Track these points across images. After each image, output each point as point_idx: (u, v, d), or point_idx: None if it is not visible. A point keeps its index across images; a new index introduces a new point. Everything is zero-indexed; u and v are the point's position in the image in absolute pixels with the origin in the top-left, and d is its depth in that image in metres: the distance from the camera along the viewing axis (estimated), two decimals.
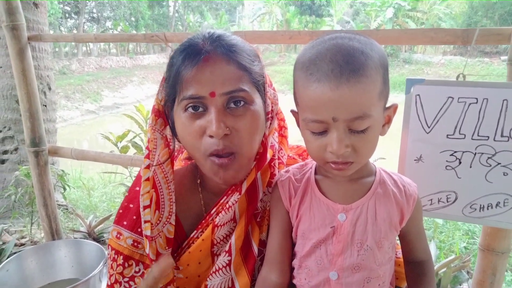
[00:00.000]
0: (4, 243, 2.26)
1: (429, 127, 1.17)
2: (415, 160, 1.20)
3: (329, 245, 0.83)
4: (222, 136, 0.79)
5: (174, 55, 0.83)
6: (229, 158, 0.82)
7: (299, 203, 0.87)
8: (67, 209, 2.84)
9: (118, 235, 0.94)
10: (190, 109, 0.81)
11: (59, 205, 2.77)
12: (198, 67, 0.78)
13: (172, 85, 0.82)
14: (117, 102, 18.10)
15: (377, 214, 0.82)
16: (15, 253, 1.97)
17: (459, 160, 1.15)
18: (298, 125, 0.83)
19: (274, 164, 0.96)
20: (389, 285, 0.90)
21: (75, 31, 25.61)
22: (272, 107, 0.91)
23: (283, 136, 1.02)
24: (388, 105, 0.80)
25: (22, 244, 2.40)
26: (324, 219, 0.83)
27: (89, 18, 26.70)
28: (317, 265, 0.84)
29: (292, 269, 0.91)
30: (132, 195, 0.96)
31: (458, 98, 1.11)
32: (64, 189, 2.49)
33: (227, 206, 0.89)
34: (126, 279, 0.92)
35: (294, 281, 0.90)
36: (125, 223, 0.94)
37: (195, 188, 0.99)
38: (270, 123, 0.91)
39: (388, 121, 0.81)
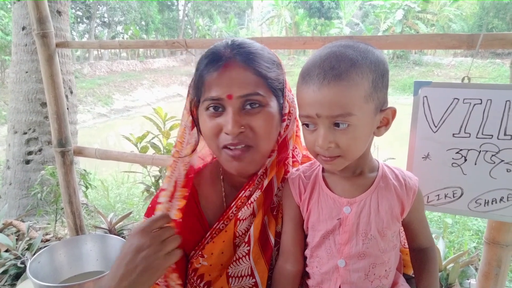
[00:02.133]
0: (31, 239, 2.38)
1: (436, 127, 1.24)
2: (422, 157, 1.27)
3: (337, 235, 0.92)
4: (237, 133, 0.89)
5: (200, 60, 0.94)
6: (242, 149, 0.92)
7: (308, 198, 0.96)
8: (87, 207, 2.95)
9: None
10: (211, 109, 0.91)
11: (82, 203, 2.89)
12: (218, 72, 0.88)
13: (197, 86, 0.93)
14: (127, 105, 18.34)
15: (379, 206, 0.90)
16: (41, 248, 2.08)
17: (465, 157, 1.22)
18: None
19: (287, 162, 1.05)
20: (395, 270, 0.98)
21: (86, 36, 25.99)
22: (290, 109, 1.00)
23: (297, 136, 1.11)
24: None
25: (47, 240, 2.52)
26: (331, 212, 0.92)
27: (100, 22, 27.04)
28: (327, 254, 0.93)
29: (305, 258, 0.99)
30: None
31: (463, 99, 1.18)
32: (86, 187, 2.60)
33: (249, 202, 0.98)
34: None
35: (307, 269, 0.99)
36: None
37: (218, 182, 1.08)
38: (287, 125, 0.99)
39: (386, 124, 0.88)
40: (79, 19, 25.16)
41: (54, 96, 1.99)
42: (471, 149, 1.20)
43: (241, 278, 1.01)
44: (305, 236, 1.00)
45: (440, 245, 2.12)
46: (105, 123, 15.57)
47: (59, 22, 2.88)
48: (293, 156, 1.10)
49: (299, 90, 0.85)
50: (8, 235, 2.39)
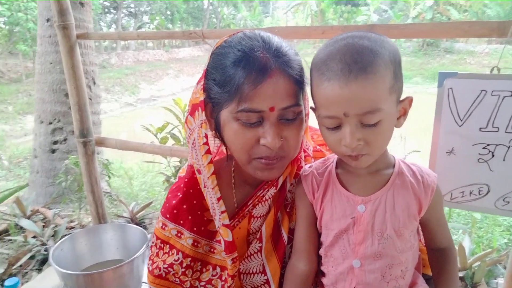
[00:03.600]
0: (56, 226, 2.46)
1: (461, 120, 1.18)
2: (447, 152, 1.22)
3: (351, 235, 0.88)
4: (278, 146, 0.85)
5: (228, 60, 0.84)
6: (276, 159, 0.88)
7: (322, 196, 0.93)
8: (111, 196, 3.02)
9: (179, 234, 1.03)
10: (245, 119, 0.84)
11: (104, 192, 2.96)
12: (262, 84, 0.80)
13: (228, 94, 0.83)
14: (153, 95, 18.59)
15: (395, 204, 0.86)
16: (66, 235, 2.15)
17: (492, 153, 1.16)
18: None
19: (300, 157, 1.03)
20: (413, 270, 0.94)
21: (114, 26, 26.46)
22: (306, 108, 0.97)
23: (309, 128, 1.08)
24: (402, 98, 0.83)
25: (71, 227, 2.60)
26: (345, 210, 0.89)
27: (127, 13, 27.44)
28: (341, 254, 0.90)
29: (320, 257, 0.97)
30: (185, 196, 1.04)
31: (492, 91, 1.12)
32: (109, 177, 2.66)
33: (264, 199, 0.97)
34: (202, 283, 1.02)
35: (322, 268, 0.96)
36: (181, 222, 1.03)
37: (229, 180, 1.06)
38: (306, 123, 0.97)
39: (404, 113, 0.85)
40: (106, 10, 25.61)
41: (75, 87, 2.03)
42: (499, 144, 1.14)
43: (252, 275, 1.01)
44: (319, 234, 0.97)
45: (466, 241, 2.04)
46: (132, 112, 15.87)
47: (82, 13, 2.93)
48: (304, 151, 1.07)
49: (319, 88, 0.78)
50: (35, 222, 2.48)
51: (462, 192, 1.24)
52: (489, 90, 1.12)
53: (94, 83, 3.17)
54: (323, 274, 0.97)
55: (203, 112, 0.89)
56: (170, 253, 1.04)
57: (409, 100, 0.84)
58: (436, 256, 0.97)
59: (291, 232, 1.01)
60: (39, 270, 2.18)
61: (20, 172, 5.31)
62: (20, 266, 2.18)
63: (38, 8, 2.92)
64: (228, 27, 29.37)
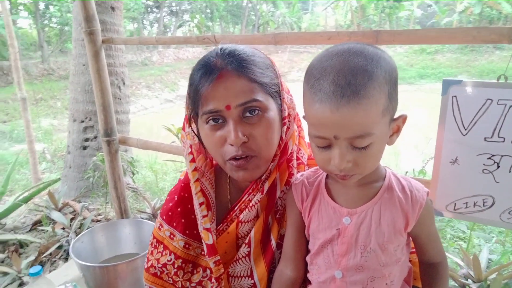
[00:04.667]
0: (84, 218, 2.62)
1: (465, 129, 1.15)
2: (450, 162, 1.19)
3: (335, 245, 0.88)
4: (241, 143, 0.88)
5: (193, 73, 0.92)
6: (245, 159, 0.91)
7: (310, 205, 0.93)
8: (136, 191, 3.17)
9: (172, 236, 1.08)
10: (211, 122, 0.90)
11: (130, 187, 3.11)
12: (213, 84, 0.86)
13: (193, 101, 0.91)
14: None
15: (381, 219, 0.85)
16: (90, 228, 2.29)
17: (498, 164, 1.12)
18: None
19: (292, 164, 1.03)
20: (400, 284, 0.93)
21: (156, 25, 27.28)
22: (289, 111, 0.98)
23: (300, 137, 1.09)
24: (396, 115, 0.82)
25: (98, 221, 2.76)
26: (331, 221, 0.89)
27: (169, 11, 28.19)
28: (325, 263, 0.90)
29: (307, 264, 0.98)
30: (180, 199, 1.09)
31: (498, 100, 1.08)
32: (133, 173, 2.79)
33: (251, 204, 0.99)
34: (193, 284, 1.06)
35: (308, 276, 0.97)
36: (174, 224, 1.08)
37: (225, 183, 1.10)
38: (288, 127, 0.98)
39: (397, 131, 0.84)
40: (149, 9, 26.45)
41: (100, 90, 2.15)
42: (505, 155, 1.10)
43: (240, 278, 1.04)
44: (308, 242, 0.98)
45: (484, 252, 1.96)
46: (171, 109, 16.33)
47: (112, 18, 3.08)
48: (298, 158, 1.08)
49: (311, 107, 0.77)
50: (65, 214, 2.66)
51: (466, 203, 1.20)
52: (495, 99, 1.08)
53: (124, 83, 3.32)
54: (309, 281, 0.99)
55: (186, 125, 0.99)
56: (164, 253, 1.09)
57: (403, 118, 0.83)
58: (427, 270, 0.96)
59: (282, 238, 1.02)
60: (66, 259, 2.34)
61: (63, 165, 5.65)
62: (50, 254, 2.35)
63: (73, 13, 3.10)
64: (266, 25, 29.37)
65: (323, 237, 0.90)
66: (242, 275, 1.03)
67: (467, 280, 1.83)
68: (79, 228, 2.53)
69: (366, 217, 0.86)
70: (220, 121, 0.90)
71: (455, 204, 1.21)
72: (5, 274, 2.12)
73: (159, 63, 22.04)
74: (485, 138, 1.12)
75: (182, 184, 1.11)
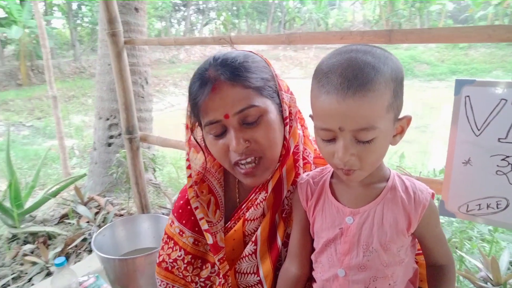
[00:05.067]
0: (108, 213, 2.73)
1: (479, 130, 1.13)
2: (463, 163, 1.17)
3: (338, 244, 0.90)
4: (242, 149, 0.92)
5: (190, 84, 0.95)
6: (252, 166, 0.95)
7: (314, 204, 0.95)
8: (159, 187, 3.26)
9: (181, 232, 1.13)
10: (213, 131, 0.94)
11: (153, 183, 3.20)
12: (209, 96, 0.89)
13: (195, 113, 0.96)
14: None
15: (384, 219, 0.86)
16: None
17: None
18: None
19: (298, 164, 1.05)
20: (403, 285, 0.93)
21: (183, 23, 27.67)
22: (290, 110, 1.00)
23: (305, 136, 1.10)
24: (401, 116, 0.83)
25: (121, 215, 2.86)
26: (334, 220, 0.90)
27: (196, 9, 28.50)
28: (328, 262, 0.92)
29: (312, 262, 1.00)
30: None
31: None
32: (154, 170, 2.87)
33: (256, 203, 1.01)
34: (202, 279, 1.10)
35: (313, 274, 0.99)
36: (184, 221, 1.13)
37: (234, 182, 1.13)
38: (290, 126, 1.00)
39: (401, 132, 0.84)
40: (176, 7, 26.84)
41: (122, 89, 2.23)
42: None
43: (246, 275, 1.06)
44: (313, 240, 1.00)
45: (505, 255, 1.90)
46: None
47: (136, 18, 3.17)
48: (304, 158, 1.09)
49: (317, 99, 0.80)
50: (90, 208, 2.78)
51: (479, 204, 1.18)
52: (510, 99, 1.06)
53: (147, 82, 3.41)
54: (314, 280, 1.00)
55: (188, 131, 1.04)
56: (174, 249, 1.13)
57: (407, 119, 0.84)
58: (433, 272, 0.96)
59: (288, 237, 1.04)
60: (90, 252, 2.44)
61: None
62: (76, 246, 2.47)
63: (99, 14, 3.21)
64: (293, 21, 29.18)
65: (326, 236, 0.92)
66: (248, 272, 1.06)
67: (486, 283, 1.79)
68: (103, 222, 2.63)
69: (369, 217, 0.87)
70: (222, 130, 0.93)
71: (467, 205, 1.20)
72: (34, 263, 2.25)
73: (186, 60, 22.36)
74: (499, 139, 1.10)
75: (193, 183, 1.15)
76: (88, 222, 2.64)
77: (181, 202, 1.15)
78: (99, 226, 2.52)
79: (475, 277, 1.79)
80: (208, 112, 0.91)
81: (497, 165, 1.11)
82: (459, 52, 19.83)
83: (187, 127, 1.06)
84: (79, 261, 2.32)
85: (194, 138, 1.06)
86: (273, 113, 0.95)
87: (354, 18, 30.06)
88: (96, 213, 2.72)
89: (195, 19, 29.14)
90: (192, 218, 1.11)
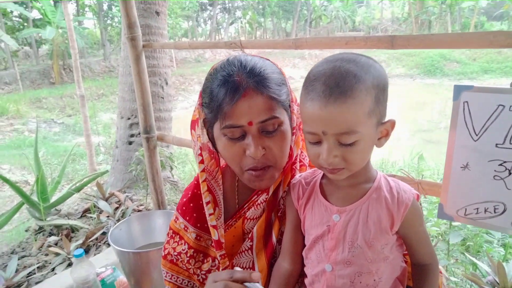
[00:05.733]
0: (127, 208, 2.86)
1: (477, 135, 1.15)
2: (461, 167, 1.19)
3: (326, 241, 0.95)
4: (260, 156, 0.96)
5: (214, 84, 0.96)
6: (264, 169, 0.99)
7: (305, 203, 1.01)
8: (177, 185, 3.37)
9: (186, 228, 1.19)
10: (231, 136, 0.97)
11: (171, 181, 3.31)
12: (238, 102, 0.91)
13: (213, 113, 0.96)
14: None
15: (368, 217, 0.91)
16: None
17: (509, 170, 1.10)
18: None
19: (295, 167, 1.11)
20: (390, 282, 0.97)
21: (209, 22, 27.98)
22: (297, 121, 1.05)
23: (302, 140, 1.15)
24: (385, 120, 0.88)
25: (139, 210, 2.99)
26: (322, 218, 0.96)
27: (222, 8, 28.76)
28: (317, 257, 0.98)
29: (303, 259, 1.05)
30: (192, 195, 1.20)
31: (510, 106, 1.07)
32: (171, 168, 2.97)
33: (257, 203, 1.08)
34: (203, 272, 1.16)
35: (305, 269, 1.04)
36: (187, 218, 1.19)
37: (233, 184, 1.19)
38: (296, 136, 1.06)
39: (386, 135, 0.89)
40: (203, 7, 27.18)
41: (141, 90, 2.32)
42: None
43: (243, 269, 1.13)
44: (304, 237, 1.05)
45: None
46: None
47: (157, 22, 3.27)
48: (300, 161, 1.15)
49: (304, 105, 0.86)
50: (111, 203, 2.91)
51: (477, 208, 1.20)
52: (507, 105, 1.07)
53: (167, 83, 3.52)
54: (305, 275, 1.06)
55: (198, 128, 1.06)
56: (179, 243, 1.21)
57: (391, 123, 0.88)
58: (417, 271, 1.00)
59: (282, 234, 1.09)
60: (109, 245, 2.57)
61: None
62: (96, 239, 2.60)
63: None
64: (319, 19, 28.97)
65: (315, 233, 0.97)
66: (244, 266, 1.12)
67: (493, 287, 1.78)
68: (122, 216, 2.76)
69: (354, 215, 0.92)
70: (240, 134, 0.96)
71: (465, 209, 1.21)
72: (57, 254, 2.39)
73: (211, 59, 22.64)
74: (496, 144, 1.11)
75: (195, 182, 1.22)
76: (108, 216, 2.78)
77: (184, 199, 1.22)
78: (118, 221, 2.64)
79: (482, 281, 1.78)
80: (233, 117, 0.93)
81: (495, 170, 1.12)
82: (492, 50, 19.14)
83: (197, 121, 1.07)
84: (98, 253, 2.45)
85: (207, 134, 1.08)
86: (287, 124, 1.00)
87: (382, 16, 29.49)
88: (116, 208, 2.85)
89: (221, 18, 29.40)
90: (195, 215, 1.18)
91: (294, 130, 1.04)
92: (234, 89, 0.92)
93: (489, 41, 1.22)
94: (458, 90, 1.15)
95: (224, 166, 1.24)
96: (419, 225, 0.95)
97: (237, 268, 0.93)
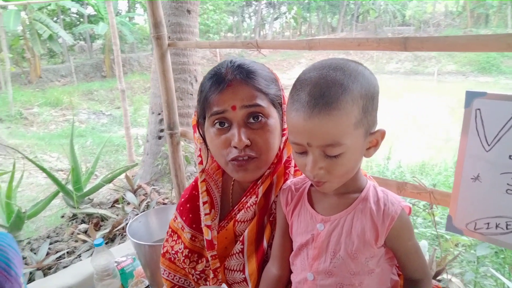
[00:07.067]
0: (152, 200, 2.96)
1: (489, 145, 1.08)
2: (472, 178, 1.12)
3: (310, 249, 0.94)
4: (244, 146, 0.97)
5: (203, 82, 1.01)
6: (247, 160, 1.00)
7: (292, 209, 0.99)
8: None
9: (183, 228, 1.22)
10: (217, 125, 0.99)
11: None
12: (222, 91, 0.96)
13: (202, 107, 1.01)
14: (284, 83, 19.15)
15: (352, 228, 0.88)
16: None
17: None
18: None
19: (289, 171, 1.10)
20: None
21: (253, 17, 28.06)
22: (286, 123, 1.03)
23: None
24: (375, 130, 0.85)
25: (164, 203, 3.08)
26: (307, 226, 0.94)
27: (267, 3, 28.73)
28: (301, 265, 0.96)
29: None
30: (190, 196, 1.23)
31: None
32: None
33: (247, 206, 1.08)
34: (197, 272, 1.19)
35: (291, 276, 1.03)
36: (184, 218, 1.22)
37: (229, 186, 1.20)
38: (286, 138, 1.05)
39: (376, 145, 0.86)
40: (248, 2, 27.30)
41: (165, 88, 2.39)
42: None
43: (233, 272, 1.14)
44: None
45: None
46: None
47: (188, 20, 3.34)
48: (295, 166, 1.13)
49: (289, 115, 0.84)
50: (139, 195, 3.03)
51: (488, 223, 1.13)
52: None
53: (196, 80, 3.59)
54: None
55: (197, 132, 1.10)
56: (177, 242, 1.24)
57: (381, 132, 0.85)
58: (408, 286, 0.96)
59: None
60: None
61: None
62: (123, 229, 2.72)
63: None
64: (367, 13, 28.10)
65: (300, 240, 0.96)
66: (235, 269, 1.13)
67: None
68: (147, 208, 2.86)
69: (338, 226, 0.89)
70: (226, 125, 0.98)
71: (475, 223, 1.15)
72: (84, 242, 2.54)
73: (255, 54, 22.72)
74: (510, 156, 1.04)
75: (194, 183, 1.24)
76: (134, 208, 2.89)
77: (183, 200, 1.25)
78: (142, 212, 2.75)
79: None
80: (218, 103, 0.96)
81: (507, 184, 1.05)
82: None
83: (194, 128, 1.12)
84: (123, 243, 2.56)
85: (201, 135, 1.11)
86: (275, 119, 1.00)
87: (435, 10, 28.01)
88: (142, 200, 2.96)
89: (266, 13, 29.38)
90: (190, 215, 1.20)
91: (285, 132, 1.03)
92: (220, 80, 0.96)
93: (507, 44, 1.13)
94: (470, 96, 1.09)
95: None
96: (407, 239, 0.90)
97: (224, 286, 0.94)
